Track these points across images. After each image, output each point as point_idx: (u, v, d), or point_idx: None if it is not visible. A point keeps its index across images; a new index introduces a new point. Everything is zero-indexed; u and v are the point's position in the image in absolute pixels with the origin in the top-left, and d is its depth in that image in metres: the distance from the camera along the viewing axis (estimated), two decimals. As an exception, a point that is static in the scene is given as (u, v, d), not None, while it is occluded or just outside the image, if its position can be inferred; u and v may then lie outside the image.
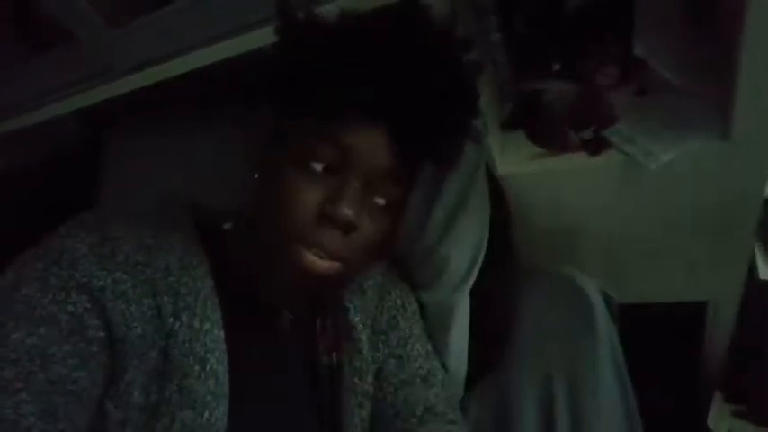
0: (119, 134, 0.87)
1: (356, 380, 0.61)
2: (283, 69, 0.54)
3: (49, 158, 0.93)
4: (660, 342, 1.09)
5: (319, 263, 0.51)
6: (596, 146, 0.79)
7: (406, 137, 0.52)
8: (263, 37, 0.67)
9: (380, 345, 0.65)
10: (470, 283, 0.69)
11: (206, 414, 0.50)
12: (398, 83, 0.49)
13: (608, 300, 0.71)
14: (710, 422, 1.10)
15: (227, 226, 0.62)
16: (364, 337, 0.63)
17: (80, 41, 0.76)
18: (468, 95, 0.55)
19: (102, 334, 0.49)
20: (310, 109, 0.52)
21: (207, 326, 0.52)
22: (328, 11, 0.55)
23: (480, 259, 0.69)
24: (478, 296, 0.71)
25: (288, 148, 0.54)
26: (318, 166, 0.52)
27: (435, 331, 0.70)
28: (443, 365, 0.69)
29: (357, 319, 0.64)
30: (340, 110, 0.50)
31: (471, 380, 0.73)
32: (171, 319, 0.51)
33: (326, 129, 0.51)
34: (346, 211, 0.50)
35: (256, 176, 0.56)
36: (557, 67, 0.88)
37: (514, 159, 0.85)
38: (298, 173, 0.52)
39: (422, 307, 0.70)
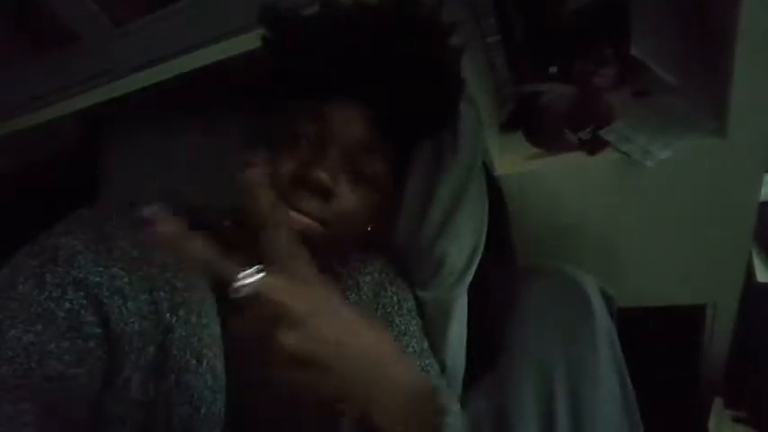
0: (119, 133, 0.87)
1: None
2: (267, 56, 0.57)
3: (49, 158, 0.93)
4: (659, 347, 1.09)
5: (298, 218, 0.52)
6: (594, 145, 0.80)
7: (385, 112, 0.54)
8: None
9: None
10: (468, 280, 0.69)
11: (203, 409, 0.50)
12: (376, 62, 0.52)
13: (607, 297, 0.71)
14: (711, 428, 1.10)
15: (226, 223, 0.62)
16: None
17: (84, 41, 0.77)
18: (448, 76, 0.56)
19: (99, 330, 0.48)
20: (292, 91, 0.55)
21: (204, 321, 0.52)
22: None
23: (478, 256, 0.69)
24: (477, 293, 0.71)
25: (273, 127, 0.56)
26: (299, 139, 0.54)
27: (433, 328, 0.69)
28: (442, 363, 0.68)
29: None
30: (319, 91, 0.53)
31: (470, 377, 0.72)
32: (168, 315, 0.51)
33: (308, 105, 0.54)
34: (320, 174, 0.51)
35: None
36: (554, 68, 0.90)
37: (513, 159, 0.86)
38: (280, 145, 0.54)
39: (420, 304, 0.70)
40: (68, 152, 0.91)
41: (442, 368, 0.69)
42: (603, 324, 0.66)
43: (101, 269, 0.49)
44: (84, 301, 0.48)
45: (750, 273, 1.06)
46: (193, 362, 0.50)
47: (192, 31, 0.73)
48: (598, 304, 0.66)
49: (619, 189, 0.83)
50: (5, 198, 0.90)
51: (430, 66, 0.54)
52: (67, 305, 0.47)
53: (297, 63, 0.55)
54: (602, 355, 0.65)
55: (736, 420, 1.11)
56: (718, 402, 1.12)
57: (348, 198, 0.55)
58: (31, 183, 0.92)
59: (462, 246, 0.68)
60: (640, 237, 0.89)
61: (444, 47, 0.55)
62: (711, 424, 1.10)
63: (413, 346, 0.65)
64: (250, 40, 0.70)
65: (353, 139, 0.54)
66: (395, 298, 0.67)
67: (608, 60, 0.86)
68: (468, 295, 0.70)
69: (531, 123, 0.88)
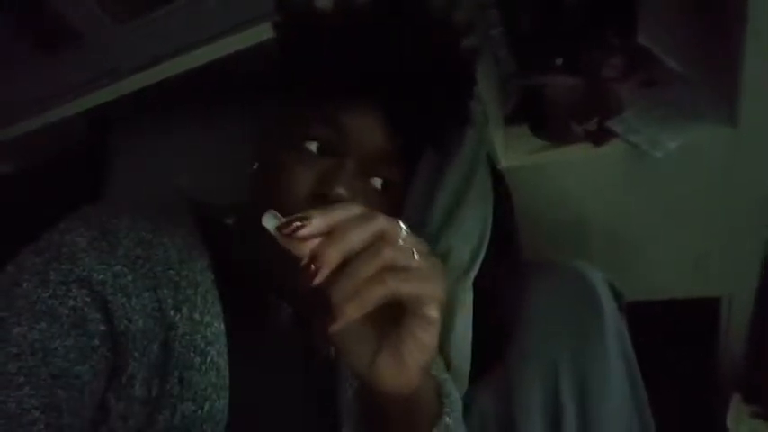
0: (125, 133, 0.88)
1: None
2: (280, 55, 0.55)
3: (56, 158, 0.94)
4: (676, 341, 1.07)
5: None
6: (601, 136, 0.78)
7: (401, 119, 0.52)
8: (268, 31, 0.67)
9: None
10: (473, 274, 0.68)
11: (206, 406, 0.50)
12: (392, 66, 0.50)
13: (616, 293, 0.69)
14: (729, 424, 1.08)
15: (229, 221, 0.62)
16: None
17: (87, 41, 0.77)
18: (463, 79, 0.55)
19: (103, 328, 0.49)
20: (305, 92, 0.53)
21: (207, 318, 0.52)
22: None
23: (483, 251, 0.68)
24: (483, 288, 0.70)
25: (283, 132, 0.54)
26: (313, 147, 0.52)
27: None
28: (447, 358, 0.68)
29: None
30: (334, 93, 0.51)
31: (476, 373, 0.72)
32: (171, 312, 0.51)
33: (321, 110, 0.52)
34: (340, 191, 0.49)
35: (255, 167, 0.56)
36: (559, 61, 0.88)
37: (518, 152, 0.85)
38: (292, 154, 0.52)
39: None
40: (76, 151, 0.92)
41: (447, 364, 0.68)
42: (612, 320, 0.65)
43: (104, 267, 0.49)
44: (88, 299, 0.48)
45: (767, 264, 1.04)
46: (197, 359, 0.50)
47: (194, 28, 0.73)
48: (606, 300, 0.65)
49: (627, 181, 0.81)
50: (10, 198, 0.91)
51: (442, 68, 0.52)
52: (71, 303, 0.47)
53: (307, 56, 0.53)
54: (610, 351, 0.64)
55: (755, 416, 1.09)
56: (736, 398, 1.10)
57: None
58: (35, 182, 0.92)
59: (467, 239, 0.67)
60: (650, 229, 0.88)
61: (458, 49, 0.54)
62: (730, 419, 1.08)
63: None
64: (254, 35, 0.70)
65: (371, 149, 0.52)
66: None
67: (615, 50, 0.84)
68: (474, 290, 0.70)
69: (537, 115, 0.87)
